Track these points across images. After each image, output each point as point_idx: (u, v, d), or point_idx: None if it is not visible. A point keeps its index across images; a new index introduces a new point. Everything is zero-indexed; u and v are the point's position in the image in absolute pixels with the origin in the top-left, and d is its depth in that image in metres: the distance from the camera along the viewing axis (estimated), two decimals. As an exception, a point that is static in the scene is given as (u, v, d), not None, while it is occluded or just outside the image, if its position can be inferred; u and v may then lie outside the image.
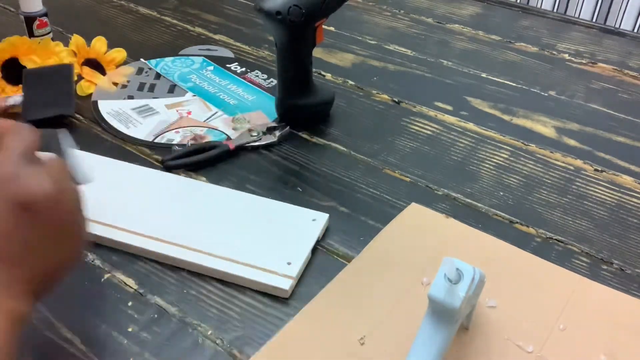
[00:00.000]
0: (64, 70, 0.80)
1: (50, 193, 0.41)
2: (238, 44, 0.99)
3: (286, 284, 0.54)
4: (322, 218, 0.62)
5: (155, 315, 0.53)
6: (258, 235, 0.60)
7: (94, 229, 0.59)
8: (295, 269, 0.56)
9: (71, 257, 0.44)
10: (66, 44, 0.86)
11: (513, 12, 1.13)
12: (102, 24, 1.04)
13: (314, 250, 0.59)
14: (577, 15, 1.88)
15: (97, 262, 0.57)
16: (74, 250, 0.45)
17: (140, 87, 0.85)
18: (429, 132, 0.78)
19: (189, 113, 0.80)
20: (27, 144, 0.42)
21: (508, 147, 0.76)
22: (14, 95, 0.77)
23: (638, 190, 0.69)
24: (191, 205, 0.63)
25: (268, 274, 0.55)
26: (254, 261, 0.56)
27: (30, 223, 0.40)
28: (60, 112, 0.78)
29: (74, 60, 0.84)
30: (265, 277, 0.55)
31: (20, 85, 0.78)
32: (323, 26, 0.73)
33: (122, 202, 0.63)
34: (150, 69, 0.90)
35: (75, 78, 0.82)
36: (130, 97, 0.83)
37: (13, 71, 0.81)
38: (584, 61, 0.96)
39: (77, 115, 0.79)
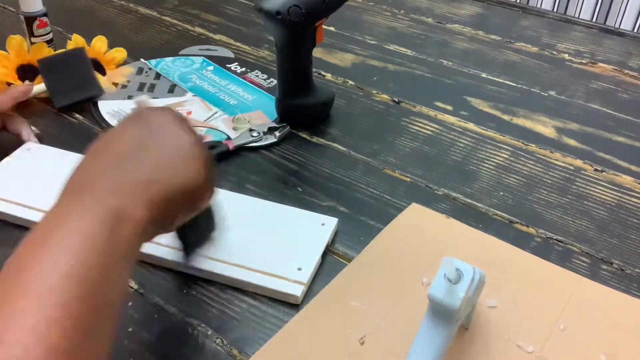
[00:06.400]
0: (78, 55, 0.81)
1: (173, 119, 0.46)
2: (238, 44, 0.99)
3: (297, 290, 0.54)
4: (331, 222, 0.61)
5: (155, 315, 0.53)
6: (267, 240, 0.59)
7: None
8: (305, 275, 0.55)
9: (189, 179, 0.44)
10: (66, 44, 0.86)
11: (513, 12, 1.13)
12: (102, 24, 1.04)
13: (323, 254, 0.59)
14: (577, 15, 1.88)
15: (97, 262, 0.57)
16: (192, 174, 0.44)
17: (140, 87, 0.85)
18: (429, 132, 0.78)
19: (189, 113, 0.80)
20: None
21: (508, 147, 0.76)
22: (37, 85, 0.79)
23: (638, 190, 0.69)
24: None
25: (278, 280, 0.55)
26: (263, 267, 0.56)
27: (151, 137, 0.44)
28: (89, 94, 0.80)
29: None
30: (275, 284, 0.54)
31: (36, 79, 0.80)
32: (323, 26, 0.73)
33: None
34: (150, 69, 0.90)
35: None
36: (130, 97, 0.83)
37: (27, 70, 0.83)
38: (584, 61, 0.96)
39: (77, 115, 0.79)
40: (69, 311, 0.33)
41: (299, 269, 0.55)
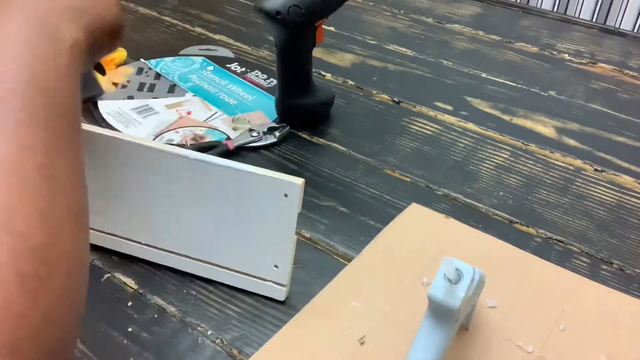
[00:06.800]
0: None
1: None
2: (238, 44, 0.99)
3: (281, 295, 0.54)
4: (294, 191, 0.50)
5: (155, 315, 0.53)
6: (233, 228, 0.53)
7: None
8: (284, 274, 0.53)
9: (113, 16, 0.43)
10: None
11: (513, 12, 1.13)
12: (102, 24, 1.04)
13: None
14: (577, 15, 1.88)
15: (97, 262, 0.57)
16: (114, 11, 0.44)
17: (140, 87, 0.85)
18: (429, 132, 0.78)
19: (189, 113, 0.80)
20: None
21: (508, 147, 0.76)
22: None
23: (638, 190, 0.69)
24: (153, 188, 0.54)
25: (258, 281, 0.54)
26: (239, 266, 0.54)
27: None
28: (90, 94, 0.79)
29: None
30: (256, 287, 0.54)
31: None
32: (323, 26, 0.73)
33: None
34: (150, 69, 0.90)
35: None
36: (130, 97, 0.83)
37: None
38: (584, 61, 0.96)
39: (77, 115, 0.79)
40: (35, 115, 0.32)
41: (276, 267, 0.53)
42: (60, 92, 0.35)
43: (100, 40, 0.42)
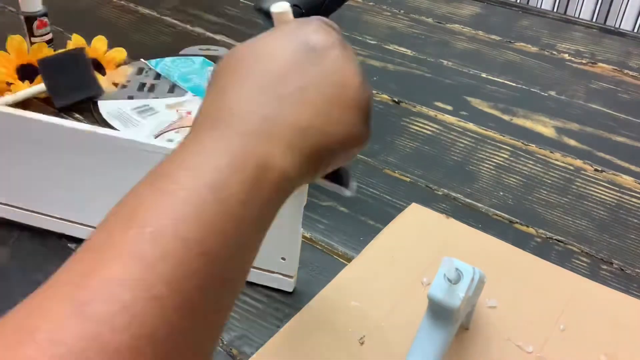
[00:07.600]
0: (78, 55, 0.81)
1: (338, 44, 0.37)
2: (238, 44, 0.98)
3: (289, 286, 0.54)
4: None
5: (155, 315, 0.52)
6: None
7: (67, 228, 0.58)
8: (292, 265, 0.54)
9: (350, 132, 0.36)
10: (66, 44, 0.86)
11: (513, 12, 1.13)
12: (102, 24, 1.04)
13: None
14: (577, 15, 1.88)
15: (97, 262, 0.57)
16: (354, 125, 0.36)
17: (140, 87, 0.85)
18: (429, 132, 0.78)
19: (189, 113, 0.80)
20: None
21: (508, 147, 0.76)
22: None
23: (638, 190, 0.69)
24: None
25: (266, 273, 0.54)
26: None
27: (312, 64, 0.35)
28: (89, 94, 0.80)
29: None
30: (264, 279, 0.55)
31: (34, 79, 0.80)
32: (323, 26, 0.73)
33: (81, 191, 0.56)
34: (150, 69, 0.90)
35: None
36: (130, 97, 0.83)
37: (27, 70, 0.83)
38: (584, 61, 0.96)
39: (77, 115, 0.79)
40: (177, 290, 0.25)
41: (283, 259, 0.53)
42: (231, 251, 0.28)
43: (328, 159, 0.36)
